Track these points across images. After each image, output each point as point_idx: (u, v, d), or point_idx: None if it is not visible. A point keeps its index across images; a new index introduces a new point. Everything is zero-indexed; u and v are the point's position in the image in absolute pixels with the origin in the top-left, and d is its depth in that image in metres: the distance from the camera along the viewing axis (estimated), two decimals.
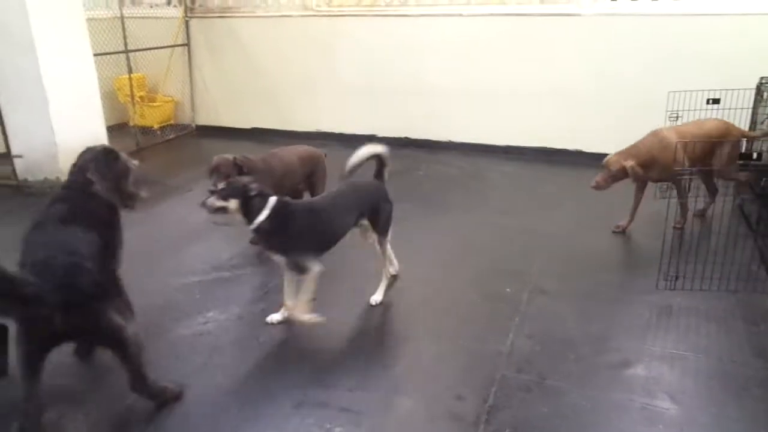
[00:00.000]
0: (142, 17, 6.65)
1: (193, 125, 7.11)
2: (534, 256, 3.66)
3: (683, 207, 3.85)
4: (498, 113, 5.75)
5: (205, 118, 7.09)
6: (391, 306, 3.24)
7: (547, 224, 4.07)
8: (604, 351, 2.74)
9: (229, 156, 3.51)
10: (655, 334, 2.89)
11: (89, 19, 5.12)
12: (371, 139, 6.15)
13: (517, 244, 3.77)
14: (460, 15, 5.69)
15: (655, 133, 3.80)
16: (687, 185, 3.78)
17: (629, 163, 3.68)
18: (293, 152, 3.95)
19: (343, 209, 2.96)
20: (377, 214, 3.04)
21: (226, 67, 6.83)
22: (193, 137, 6.97)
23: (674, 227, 3.76)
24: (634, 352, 2.72)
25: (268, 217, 2.69)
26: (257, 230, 2.73)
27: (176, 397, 2.44)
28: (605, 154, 5.35)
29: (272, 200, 2.72)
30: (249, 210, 2.69)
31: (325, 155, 4.07)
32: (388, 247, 3.16)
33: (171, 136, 6.85)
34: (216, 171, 3.47)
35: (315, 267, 2.77)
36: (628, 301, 3.18)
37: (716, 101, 3.96)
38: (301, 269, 2.78)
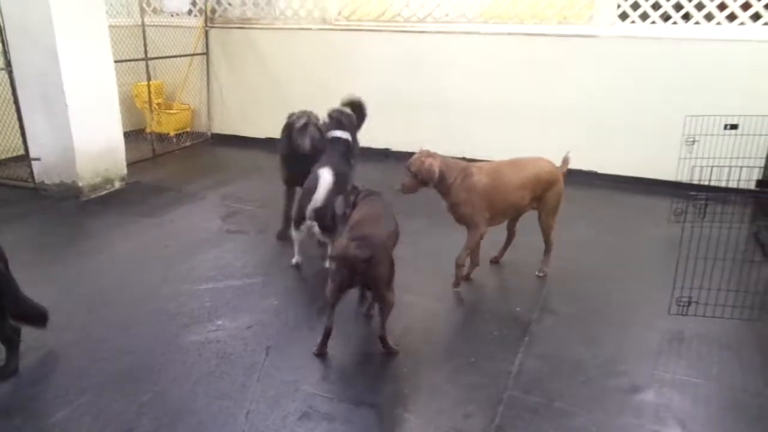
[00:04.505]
0: (163, 26, 6.75)
1: (209, 133, 7.18)
2: (544, 276, 3.64)
3: (472, 258, 3.56)
4: (512, 131, 5.75)
5: (221, 127, 7.16)
6: (401, 320, 3.23)
7: (558, 244, 4.04)
8: (614, 374, 2.71)
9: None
10: (666, 359, 2.86)
11: (111, 27, 5.18)
12: (385, 153, 6.24)
13: (527, 262, 3.74)
14: (478, 33, 5.72)
15: (468, 165, 3.38)
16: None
17: (429, 161, 3.25)
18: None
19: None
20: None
21: (243, 77, 6.89)
22: (208, 145, 7.03)
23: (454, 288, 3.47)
24: (644, 377, 2.69)
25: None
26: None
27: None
28: (621, 176, 5.42)
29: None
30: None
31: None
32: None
33: (187, 144, 6.91)
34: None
35: None
36: (639, 324, 3.15)
37: (734, 126, 3.95)
38: None
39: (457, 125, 5.99)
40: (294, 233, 3.69)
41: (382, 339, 2.83)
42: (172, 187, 5.33)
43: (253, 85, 6.85)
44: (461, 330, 3.15)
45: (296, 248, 3.78)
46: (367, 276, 2.67)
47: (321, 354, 2.82)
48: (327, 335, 2.82)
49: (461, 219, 3.40)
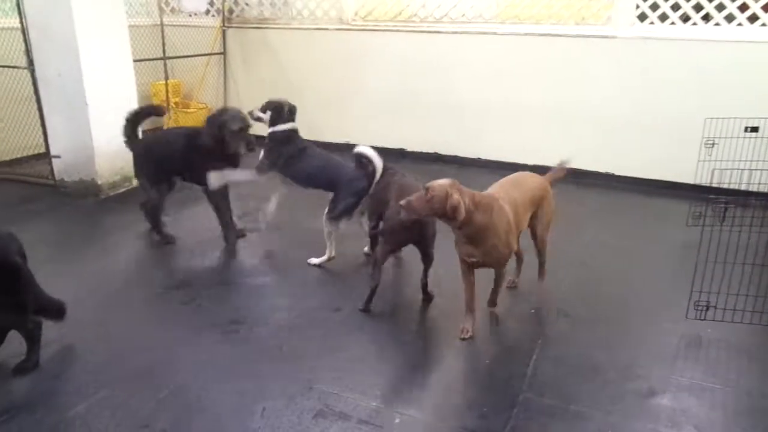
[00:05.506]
0: (181, 26, 6.81)
1: None
2: (559, 279, 3.61)
3: (496, 288, 3.17)
4: (528, 132, 5.73)
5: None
6: (417, 321, 3.24)
7: (573, 246, 4.03)
8: (630, 378, 2.69)
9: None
10: (683, 363, 2.83)
11: (130, 26, 5.24)
12: (401, 153, 6.25)
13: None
14: (495, 33, 5.71)
15: (495, 199, 2.90)
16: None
17: (456, 198, 2.69)
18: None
19: (323, 169, 3.76)
20: (336, 193, 3.65)
21: (259, 76, 6.94)
22: None
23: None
24: (660, 381, 2.66)
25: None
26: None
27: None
28: (638, 178, 5.38)
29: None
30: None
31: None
32: (328, 229, 3.69)
33: None
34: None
35: (260, 175, 3.87)
36: (656, 328, 3.12)
37: (755, 129, 3.89)
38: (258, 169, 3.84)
39: (472, 126, 5.98)
40: (337, 226, 3.65)
41: (424, 286, 3.29)
42: (189, 186, 5.36)
43: (269, 84, 6.87)
44: (475, 331, 3.14)
45: (333, 244, 3.72)
46: (419, 235, 3.12)
47: (366, 310, 3.19)
48: (373, 293, 3.18)
49: (496, 261, 2.97)
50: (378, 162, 3.55)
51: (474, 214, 2.76)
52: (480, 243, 2.84)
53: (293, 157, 3.78)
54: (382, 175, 3.59)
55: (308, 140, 3.97)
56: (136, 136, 4.18)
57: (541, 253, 3.43)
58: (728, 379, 2.68)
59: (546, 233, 3.35)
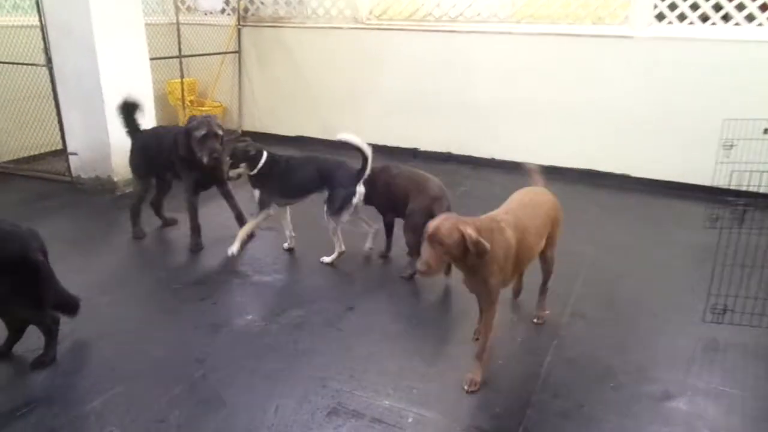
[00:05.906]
0: (197, 24, 6.86)
1: (239, 131, 7.26)
2: (574, 280, 3.60)
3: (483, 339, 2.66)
4: (543, 132, 5.70)
5: (251, 125, 7.24)
6: (431, 320, 3.23)
7: (588, 248, 4.00)
8: (645, 381, 2.67)
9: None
10: (699, 367, 2.80)
11: (147, 25, 5.29)
12: (414, 152, 6.24)
13: (557, 266, 3.70)
14: (510, 33, 5.68)
15: (495, 218, 2.62)
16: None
17: (470, 231, 2.37)
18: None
19: (313, 168, 3.75)
20: (331, 188, 3.64)
21: (274, 75, 6.96)
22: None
23: None
24: (676, 385, 2.64)
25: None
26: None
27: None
28: (654, 180, 5.33)
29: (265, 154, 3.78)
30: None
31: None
32: (332, 225, 3.71)
33: None
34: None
35: (264, 210, 3.85)
36: (672, 331, 3.09)
37: None
38: (261, 204, 3.82)
39: (486, 126, 5.96)
40: (339, 221, 3.66)
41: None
42: None
43: (284, 83, 6.91)
44: None
45: (340, 239, 3.74)
46: None
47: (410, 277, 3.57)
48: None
49: (485, 293, 2.61)
50: (365, 147, 3.52)
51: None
52: (473, 272, 2.54)
53: (284, 173, 3.76)
54: (381, 172, 3.67)
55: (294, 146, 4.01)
56: (136, 128, 4.22)
57: (550, 272, 3.13)
58: (746, 384, 2.65)
59: (554, 252, 3.07)
